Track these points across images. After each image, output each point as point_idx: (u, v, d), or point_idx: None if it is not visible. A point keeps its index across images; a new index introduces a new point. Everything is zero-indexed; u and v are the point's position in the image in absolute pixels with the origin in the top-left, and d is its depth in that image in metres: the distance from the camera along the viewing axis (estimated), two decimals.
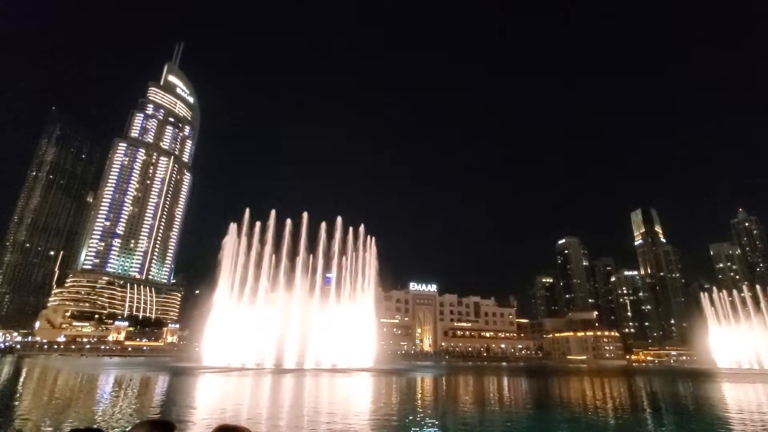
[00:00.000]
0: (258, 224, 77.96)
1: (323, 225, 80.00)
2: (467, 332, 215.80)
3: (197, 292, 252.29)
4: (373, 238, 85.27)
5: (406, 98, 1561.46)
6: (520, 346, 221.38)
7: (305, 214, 77.85)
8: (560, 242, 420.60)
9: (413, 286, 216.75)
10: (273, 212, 78.97)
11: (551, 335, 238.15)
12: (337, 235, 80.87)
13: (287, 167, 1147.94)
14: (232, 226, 77.37)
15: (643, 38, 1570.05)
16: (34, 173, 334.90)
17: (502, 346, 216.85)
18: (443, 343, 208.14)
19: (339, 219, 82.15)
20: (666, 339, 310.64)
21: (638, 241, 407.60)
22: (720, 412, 26.63)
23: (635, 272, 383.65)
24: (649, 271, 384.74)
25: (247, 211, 78.07)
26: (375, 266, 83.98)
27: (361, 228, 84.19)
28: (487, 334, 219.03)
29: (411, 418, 21.46)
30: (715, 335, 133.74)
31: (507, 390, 41.54)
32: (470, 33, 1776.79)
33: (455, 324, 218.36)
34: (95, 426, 2.51)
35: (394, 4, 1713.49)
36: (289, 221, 77.62)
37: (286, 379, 43.60)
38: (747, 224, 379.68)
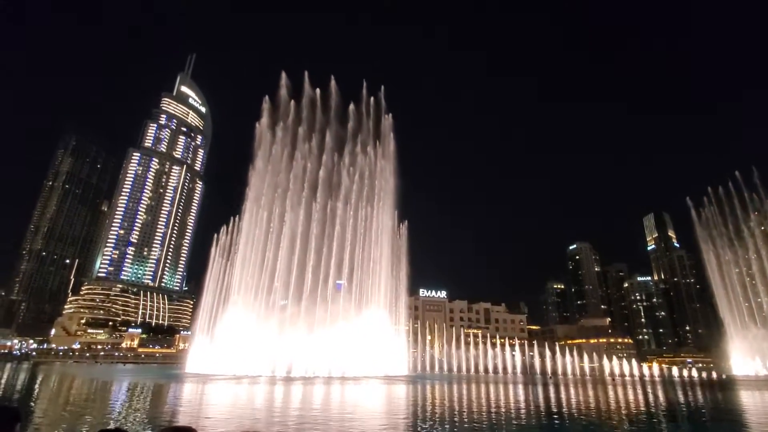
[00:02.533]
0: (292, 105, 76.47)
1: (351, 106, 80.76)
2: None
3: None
4: (390, 115, 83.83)
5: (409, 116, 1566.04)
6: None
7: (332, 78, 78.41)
8: (571, 248, 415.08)
9: (423, 293, 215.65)
10: (306, 73, 77.57)
11: (563, 342, 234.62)
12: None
13: None
14: (266, 104, 75.97)
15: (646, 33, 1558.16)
16: (50, 183, 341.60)
17: None
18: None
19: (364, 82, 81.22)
20: (681, 346, 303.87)
21: (651, 246, 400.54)
22: (739, 419, 26.23)
23: (648, 278, 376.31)
24: (662, 276, 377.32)
25: (283, 75, 76.00)
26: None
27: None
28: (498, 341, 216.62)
29: (422, 425, 21.56)
30: (732, 342, 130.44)
31: (520, 398, 41.24)
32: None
33: (465, 330, 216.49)
34: (125, 429, 2.61)
35: None
36: (318, 90, 77.98)
37: (300, 387, 43.79)
38: (763, 228, 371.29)
